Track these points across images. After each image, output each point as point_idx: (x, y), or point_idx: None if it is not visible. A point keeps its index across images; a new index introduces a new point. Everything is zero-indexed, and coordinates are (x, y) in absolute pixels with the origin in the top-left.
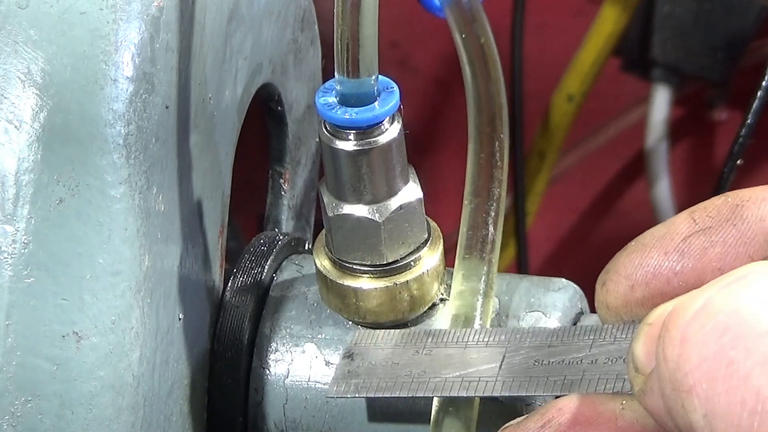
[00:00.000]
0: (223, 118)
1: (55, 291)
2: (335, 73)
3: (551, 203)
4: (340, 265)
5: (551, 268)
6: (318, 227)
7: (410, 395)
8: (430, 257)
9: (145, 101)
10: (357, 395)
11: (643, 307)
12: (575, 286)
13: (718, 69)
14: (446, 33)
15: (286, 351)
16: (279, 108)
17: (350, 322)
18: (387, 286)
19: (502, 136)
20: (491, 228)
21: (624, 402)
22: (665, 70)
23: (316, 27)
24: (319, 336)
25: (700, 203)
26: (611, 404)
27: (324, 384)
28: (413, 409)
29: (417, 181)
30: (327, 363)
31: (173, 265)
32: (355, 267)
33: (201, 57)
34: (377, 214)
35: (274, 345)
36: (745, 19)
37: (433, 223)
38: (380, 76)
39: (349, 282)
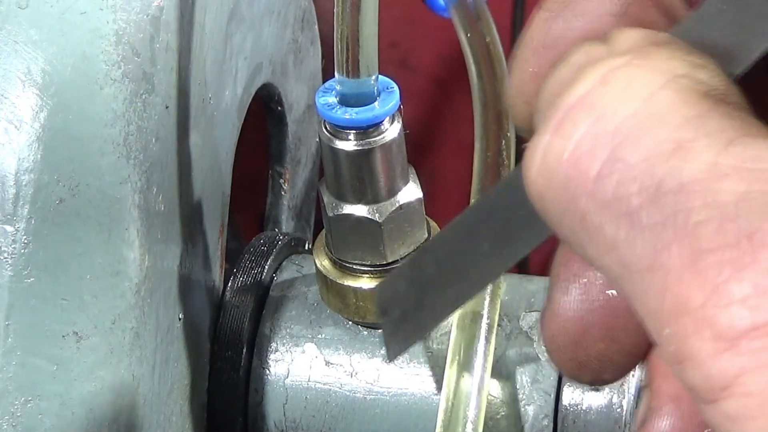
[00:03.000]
0: (223, 118)
1: (55, 291)
2: (335, 73)
3: None
4: (340, 265)
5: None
6: (318, 227)
7: (452, 312)
8: None
9: (145, 101)
10: (412, 344)
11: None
12: None
13: None
14: (446, 33)
15: (286, 351)
16: (279, 108)
17: (350, 322)
18: None
19: (509, 134)
20: None
21: None
22: None
23: (316, 27)
24: (319, 336)
25: None
26: None
27: (324, 384)
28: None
29: (417, 181)
30: (327, 363)
31: (173, 265)
32: (355, 267)
33: (201, 57)
34: (377, 214)
35: (274, 345)
36: None
37: (433, 223)
38: (380, 76)
39: (349, 282)
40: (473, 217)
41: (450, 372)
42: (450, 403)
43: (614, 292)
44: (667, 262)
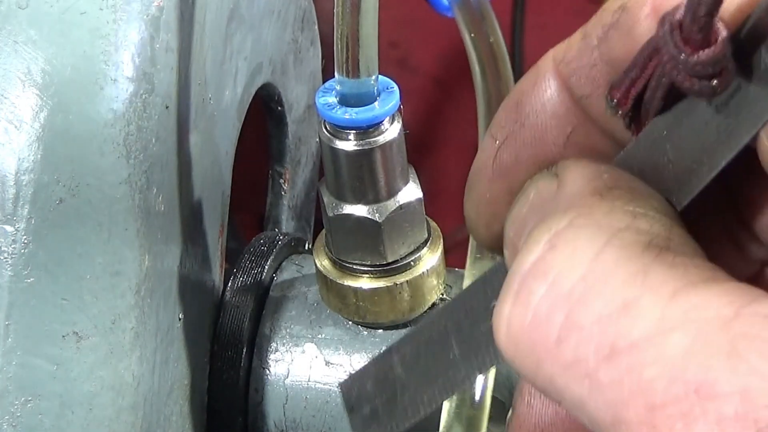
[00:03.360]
0: (223, 118)
1: (55, 291)
2: (335, 73)
3: None
4: (340, 265)
5: None
6: (318, 227)
7: (426, 412)
8: (430, 257)
9: (145, 101)
10: None
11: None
12: None
13: None
14: (446, 33)
15: (286, 351)
16: (279, 108)
17: (350, 322)
18: (387, 286)
19: None
20: None
21: None
22: None
23: (316, 27)
24: (319, 336)
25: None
26: None
27: (324, 384)
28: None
29: (417, 181)
30: (327, 363)
31: (173, 265)
32: (355, 267)
33: (201, 57)
34: (377, 214)
35: (274, 345)
36: None
37: (433, 223)
38: (380, 76)
39: (349, 282)
40: (443, 322)
41: None
42: (453, 404)
43: None
44: (627, 418)
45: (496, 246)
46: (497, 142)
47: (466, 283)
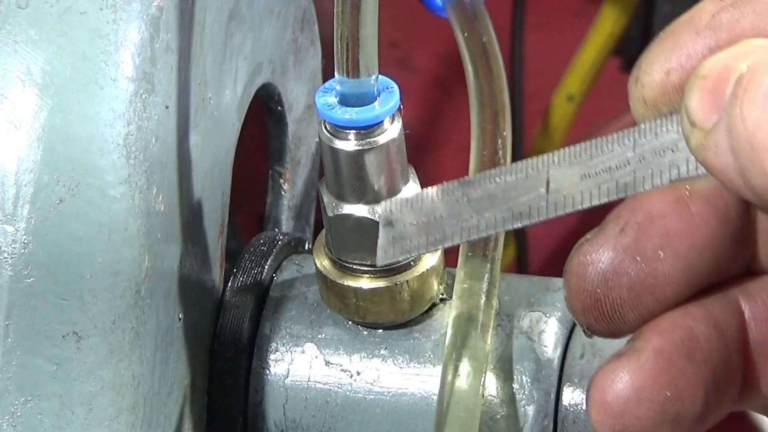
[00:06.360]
0: (223, 118)
1: (55, 291)
2: (335, 73)
3: None
4: (340, 265)
5: (551, 268)
6: (318, 227)
7: (463, 240)
8: (430, 257)
9: (145, 101)
10: (409, 255)
11: (682, 91)
12: None
13: None
14: (446, 33)
15: (286, 351)
16: (279, 108)
17: (350, 322)
18: (387, 286)
19: (504, 133)
20: None
21: (688, 186)
22: None
23: (316, 27)
24: (319, 336)
25: None
26: (676, 192)
27: (324, 384)
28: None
29: (417, 181)
30: (327, 363)
31: (173, 265)
32: (355, 267)
33: (201, 57)
34: (377, 214)
35: (274, 345)
36: None
37: None
38: (380, 76)
39: (349, 282)
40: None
41: (444, 373)
42: (444, 404)
43: (663, 254)
44: None
45: (658, 95)
46: (723, 2)
47: (458, 281)
